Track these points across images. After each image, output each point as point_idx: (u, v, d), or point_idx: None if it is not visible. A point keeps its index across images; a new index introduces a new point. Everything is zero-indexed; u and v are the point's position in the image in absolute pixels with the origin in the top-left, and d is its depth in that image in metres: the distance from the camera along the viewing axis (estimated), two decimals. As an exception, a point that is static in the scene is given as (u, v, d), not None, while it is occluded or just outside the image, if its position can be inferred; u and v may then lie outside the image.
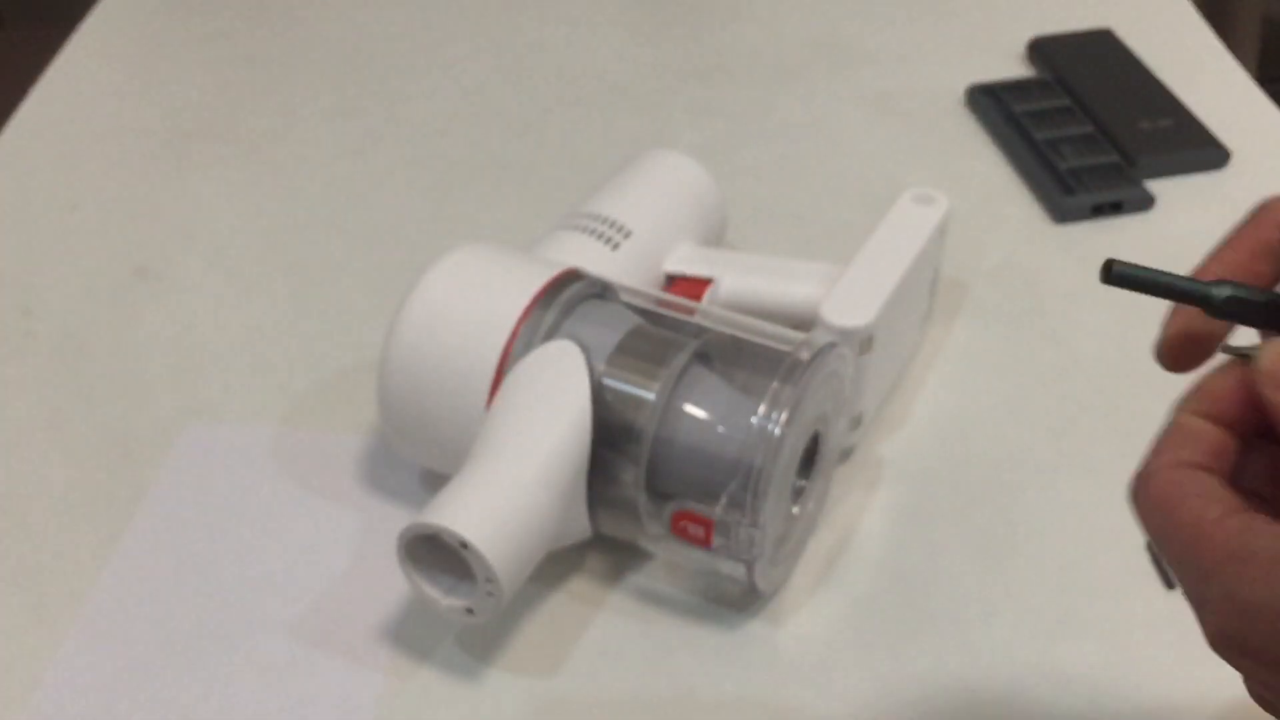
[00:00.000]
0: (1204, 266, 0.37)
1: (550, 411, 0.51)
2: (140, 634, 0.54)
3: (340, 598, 0.55)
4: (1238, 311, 0.36)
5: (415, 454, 0.57)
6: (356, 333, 0.69)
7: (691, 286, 0.62)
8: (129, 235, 0.76)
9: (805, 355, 0.51)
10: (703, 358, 0.53)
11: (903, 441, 0.62)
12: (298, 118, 0.87)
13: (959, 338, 0.68)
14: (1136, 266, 0.35)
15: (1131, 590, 0.55)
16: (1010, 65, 0.89)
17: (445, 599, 0.50)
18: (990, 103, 0.84)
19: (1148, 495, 0.35)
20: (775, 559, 0.53)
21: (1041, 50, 0.88)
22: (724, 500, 0.50)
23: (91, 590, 0.56)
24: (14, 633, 0.54)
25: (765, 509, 0.50)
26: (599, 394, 0.52)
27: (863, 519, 0.58)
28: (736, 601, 0.55)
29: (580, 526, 0.53)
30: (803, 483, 0.54)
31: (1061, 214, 0.75)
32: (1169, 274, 0.35)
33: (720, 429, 0.51)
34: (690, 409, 0.52)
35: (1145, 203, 0.76)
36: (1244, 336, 0.37)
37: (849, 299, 0.56)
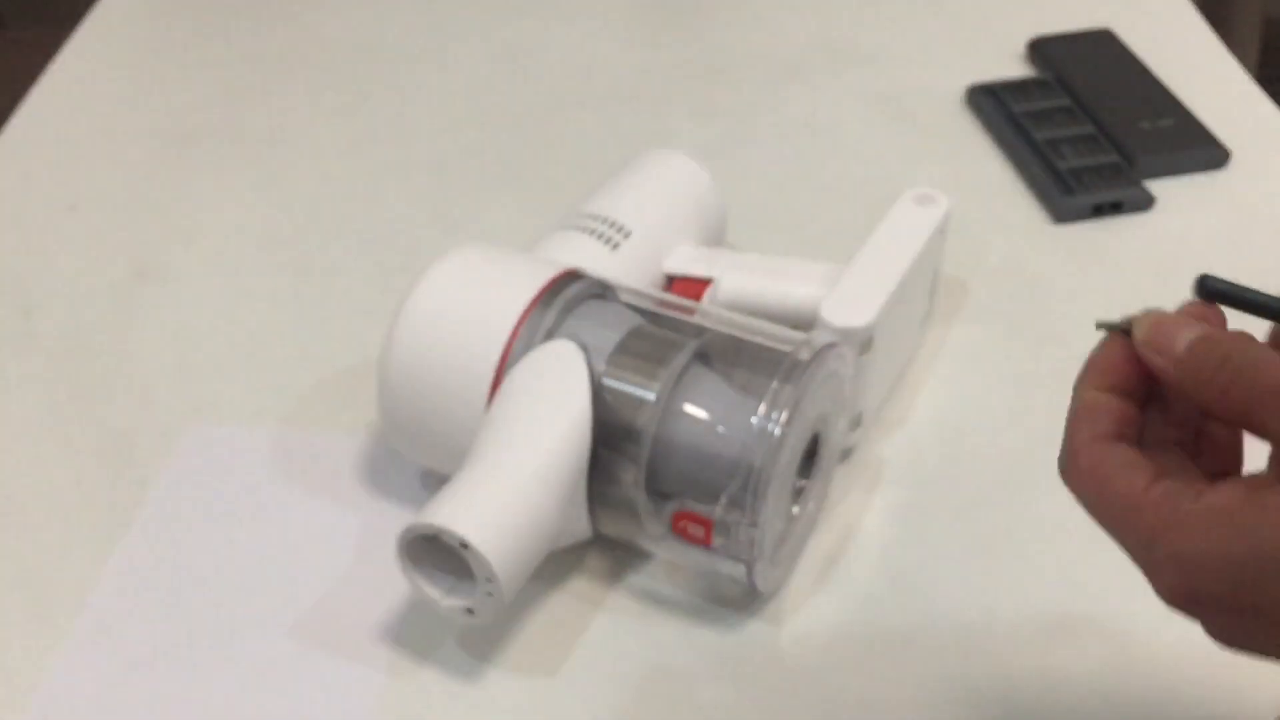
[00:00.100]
0: None
1: (550, 411, 0.51)
2: (140, 634, 0.54)
3: (340, 598, 0.55)
4: None
5: (415, 454, 0.57)
6: (356, 333, 0.69)
7: (691, 286, 0.62)
8: (129, 235, 0.76)
9: (805, 355, 0.51)
10: (703, 358, 0.53)
11: (903, 441, 0.62)
12: (298, 118, 0.87)
13: (959, 338, 0.68)
14: (1228, 283, 0.38)
15: (1132, 590, 0.55)
16: (1010, 65, 0.89)
17: (445, 599, 0.50)
18: (990, 103, 0.84)
19: (1079, 472, 0.38)
20: (775, 559, 0.53)
21: (1041, 50, 0.88)
22: (724, 500, 0.50)
23: (91, 590, 0.56)
24: (14, 633, 0.54)
25: (765, 509, 0.50)
26: (599, 394, 0.52)
27: (863, 519, 0.58)
28: (736, 601, 0.55)
29: (580, 526, 0.53)
30: (803, 483, 0.54)
31: (1061, 214, 0.75)
32: (1259, 291, 0.37)
33: (720, 429, 0.51)
34: (690, 409, 0.52)
35: (1145, 203, 0.76)
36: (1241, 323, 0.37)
37: (849, 299, 0.56)
